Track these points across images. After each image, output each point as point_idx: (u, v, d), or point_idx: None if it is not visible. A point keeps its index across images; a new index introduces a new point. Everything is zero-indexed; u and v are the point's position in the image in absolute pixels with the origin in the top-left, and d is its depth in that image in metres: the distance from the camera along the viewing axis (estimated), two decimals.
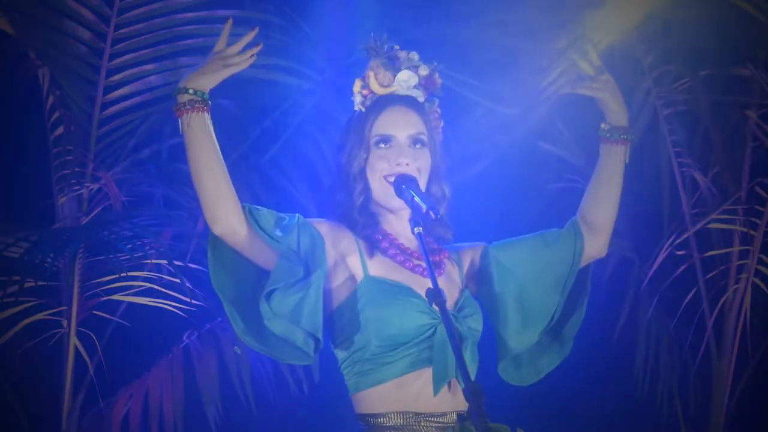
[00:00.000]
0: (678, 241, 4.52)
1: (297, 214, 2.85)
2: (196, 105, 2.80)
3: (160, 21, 4.42)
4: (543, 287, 2.96)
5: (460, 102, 4.56)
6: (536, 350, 2.98)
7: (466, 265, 3.00)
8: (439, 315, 2.75)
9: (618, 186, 3.06)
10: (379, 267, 2.86)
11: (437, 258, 2.93)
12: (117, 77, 4.42)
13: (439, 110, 3.02)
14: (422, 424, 2.77)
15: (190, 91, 2.79)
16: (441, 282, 2.82)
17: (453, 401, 2.80)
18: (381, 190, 2.91)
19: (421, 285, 2.81)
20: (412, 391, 2.78)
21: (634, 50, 4.71)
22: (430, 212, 2.76)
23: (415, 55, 2.99)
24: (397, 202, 2.88)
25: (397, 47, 2.99)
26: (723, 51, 4.65)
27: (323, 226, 2.88)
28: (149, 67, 4.44)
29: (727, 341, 4.62)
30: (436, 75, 3.00)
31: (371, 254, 2.88)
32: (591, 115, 4.70)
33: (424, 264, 2.87)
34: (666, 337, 4.71)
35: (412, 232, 2.77)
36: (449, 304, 2.82)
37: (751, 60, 4.57)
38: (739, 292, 4.59)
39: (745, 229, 4.59)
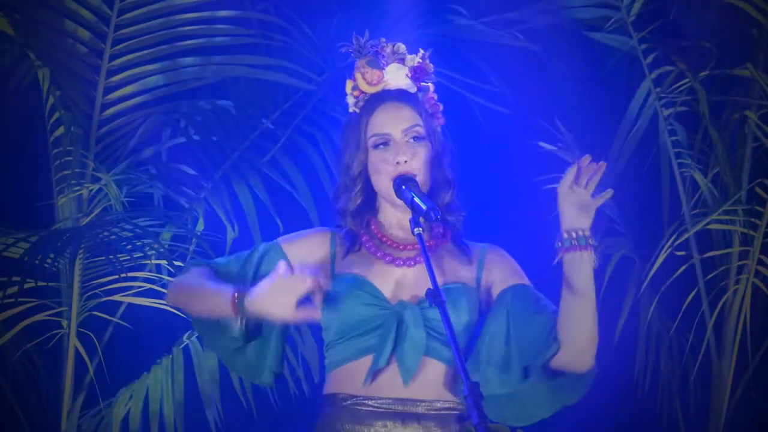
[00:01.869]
0: (678, 241, 4.52)
1: (261, 246, 2.94)
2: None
3: (160, 21, 4.41)
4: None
5: (459, 102, 4.56)
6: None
7: (486, 279, 2.95)
8: (388, 306, 2.83)
9: (590, 300, 2.71)
10: (347, 264, 2.92)
11: (431, 243, 2.94)
12: (117, 78, 4.42)
13: (435, 95, 3.01)
14: (362, 404, 2.83)
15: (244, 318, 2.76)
16: (416, 271, 2.88)
17: (404, 389, 2.82)
18: (389, 192, 2.92)
19: (390, 277, 2.87)
20: (359, 376, 2.84)
21: (634, 50, 4.71)
22: (431, 213, 2.77)
23: (401, 47, 2.98)
24: (401, 202, 2.91)
25: (383, 40, 2.98)
26: (723, 51, 4.66)
27: (292, 248, 2.94)
28: (149, 67, 4.44)
29: (727, 342, 4.62)
30: (427, 61, 3.00)
31: (346, 253, 2.94)
32: (591, 115, 4.71)
33: (405, 256, 2.92)
34: (666, 338, 4.71)
35: (412, 233, 2.79)
36: (415, 294, 2.87)
37: (751, 60, 4.57)
38: (739, 292, 4.59)
39: (745, 230, 4.59)
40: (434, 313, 2.82)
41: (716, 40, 4.66)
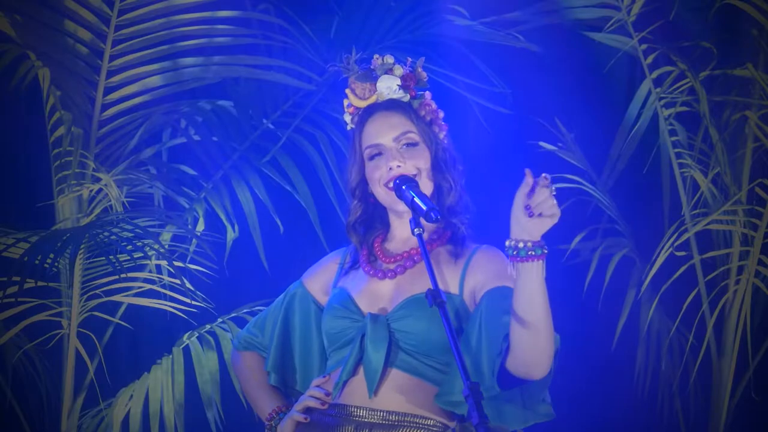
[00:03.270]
0: (678, 241, 4.51)
1: (291, 290, 3.10)
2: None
3: (160, 21, 4.41)
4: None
5: (460, 102, 4.56)
6: None
7: (469, 282, 2.93)
8: (360, 318, 2.89)
9: (540, 309, 2.59)
10: (344, 280, 3.01)
11: (429, 248, 2.94)
12: (117, 78, 4.41)
13: (433, 103, 3.01)
14: (329, 414, 2.89)
15: None
16: (407, 278, 2.92)
17: (369, 399, 2.85)
18: (387, 198, 2.95)
19: (374, 290, 2.92)
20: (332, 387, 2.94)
21: (634, 50, 4.71)
22: (431, 213, 2.78)
23: (389, 58, 2.99)
24: (402, 206, 2.91)
25: (377, 56, 3.00)
26: (723, 51, 4.65)
27: (313, 282, 3.08)
28: (149, 67, 4.44)
29: (728, 342, 4.62)
30: (419, 69, 3.00)
31: (348, 270, 3.03)
32: (591, 115, 4.71)
33: (386, 268, 2.95)
34: (666, 338, 4.71)
35: (413, 233, 2.80)
36: (395, 303, 2.89)
37: (751, 60, 4.57)
38: (739, 292, 4.59)
39: (745, 230, 4.58)
40: (403, 325, 2.86)
41: (716, 40, 4.65)
